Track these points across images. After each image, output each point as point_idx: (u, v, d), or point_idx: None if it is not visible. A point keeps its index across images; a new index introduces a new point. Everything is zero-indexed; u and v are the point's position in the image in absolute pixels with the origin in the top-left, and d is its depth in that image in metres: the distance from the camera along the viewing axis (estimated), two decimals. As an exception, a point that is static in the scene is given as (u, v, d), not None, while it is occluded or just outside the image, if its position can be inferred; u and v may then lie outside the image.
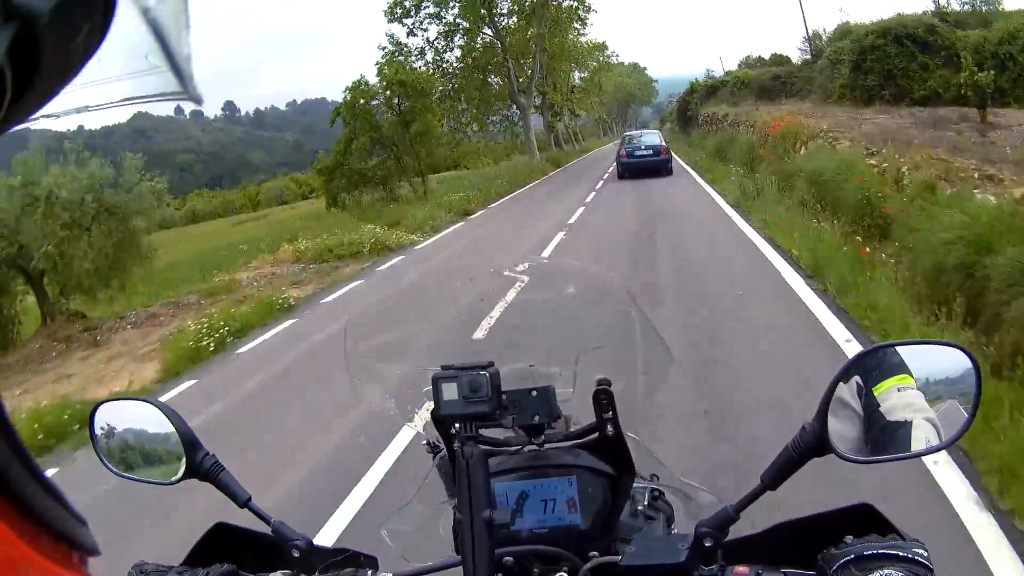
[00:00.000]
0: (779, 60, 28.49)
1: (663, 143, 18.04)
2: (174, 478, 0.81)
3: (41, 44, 0.24)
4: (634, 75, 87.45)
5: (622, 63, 74.37)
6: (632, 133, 21.46)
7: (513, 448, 0.82)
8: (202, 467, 0.80)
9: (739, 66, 30.92)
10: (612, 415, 0.77)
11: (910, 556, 0.61)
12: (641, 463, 0.83)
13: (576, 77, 43.42)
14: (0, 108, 0.24)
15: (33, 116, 0.27)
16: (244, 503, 0.80)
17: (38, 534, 0.28)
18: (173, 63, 0.29)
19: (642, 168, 17.26)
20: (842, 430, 0.67)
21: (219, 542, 0.82)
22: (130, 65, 0.30)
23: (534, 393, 0.77)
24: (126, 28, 0.27)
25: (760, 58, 30.99)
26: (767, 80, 22.95)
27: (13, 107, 0.25)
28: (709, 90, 29.84)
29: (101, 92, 0.31)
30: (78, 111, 0.31)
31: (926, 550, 0.62)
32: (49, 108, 0.27)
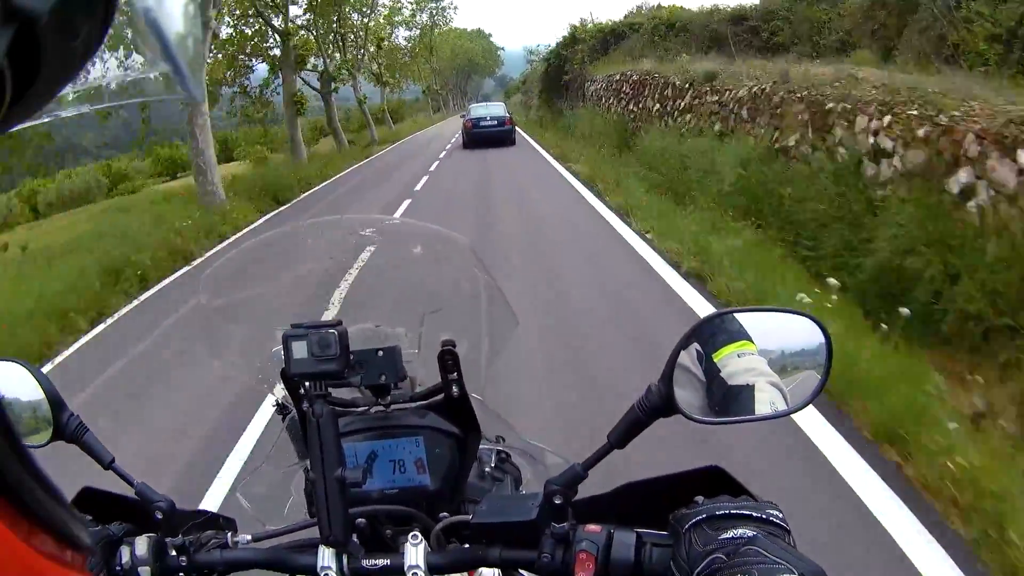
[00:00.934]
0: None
1: (507, 115, 19.79)
2: (42, 441, 0.81)
3: (41, 44, 0.24)
4: (478, 40, 76.43)
5: (463, 29, 66.78)
6: (478, 105, 23.47)
7: (360, 408, 0.84)
8: (68, 428, 0.81)
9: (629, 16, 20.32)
10: (457, 376, 0.80)
11: (764, 516, 0.64)
12: (487, 425, 0.87)
13: (399, 37, 35.83)
14: (0, 108, 0.25)
15: (33, 116, 0.28)
16: (108, 464, 0.81)
17: (38, 534, 0.29)
18: (173, 63, 0.30)
19: (487, 138, 18.70)
20: (687, 394, 0.71)
21: (87, 506, 0.83)
22: (130, 65, 0.32)
23: (380, 353, 0.79)
24: (126, 28, 0.29)
25: (659, 6, 19.35)
26: (720, 23, 14.14)
27: (13, 107, 0.25)
28: (607, 38, 19.94)
29: (101, 92, 0.33)
30: (78, 111, 0.32)
31: (780, 511, 0.65)
32: (49, 108, 0.28)
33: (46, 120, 0.29)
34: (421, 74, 41.99)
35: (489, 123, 19.01)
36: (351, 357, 0.75)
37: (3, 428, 0.27)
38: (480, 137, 18.67)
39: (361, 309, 0.88)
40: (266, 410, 2.39)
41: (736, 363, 0.72)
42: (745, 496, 0.68)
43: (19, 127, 0.27)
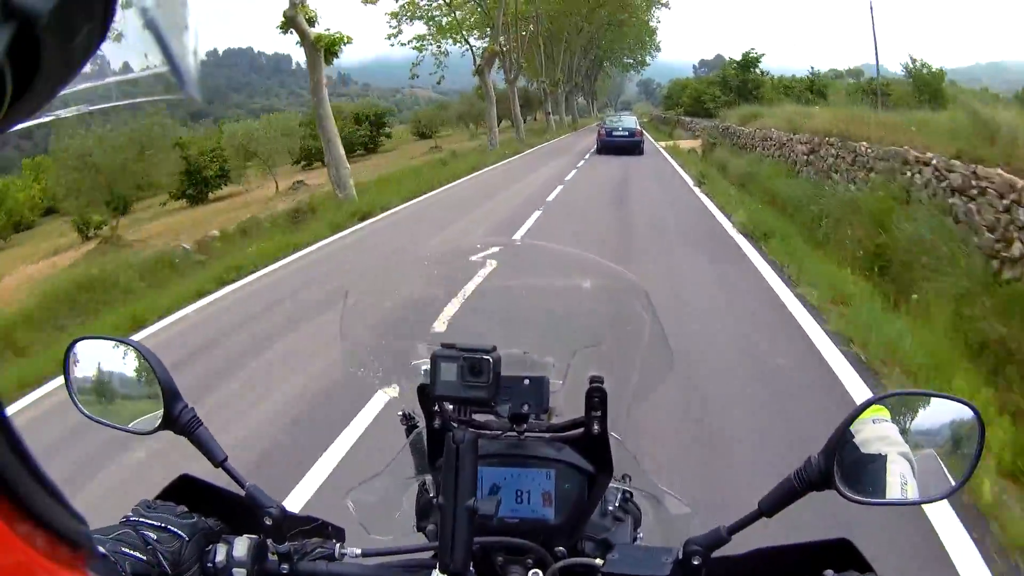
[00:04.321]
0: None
1: (638, 127, 22.64)
2: (149, 428, 0.83)
3: (41, 44, 0.25)
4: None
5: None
6: (612, 117, 27.14)
7: (493, 432, 0.84)
8: (180, 420, 0.82)
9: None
10: (601, 414, 0.80)
11: None
12: (617, 464, 0.85)
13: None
14: (0, 108, 0.25)
15: (33, 116, 0.29)
16: (220, 463, 0.82)
17: (38, 534, 0.30)
18: (172, 63, 0.30)
19: (619, 147, 21.18)
20: (846, 470, 0.71)
21: (183, 495, 0.83)
22: (130, 65, 0.32)
23: (527, 382, 0.80)
24: (126, 28, 0.30)
25: None
26: None
27: (13, 107, 0.26)
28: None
29: (101, 92, 0.33)
30: (78, 111, 0.33)
31: None
32: (49, 108, 0.29)
33: (46, 120, 0.30)
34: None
35: (621, 133, 22.14)
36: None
37: (3, 428, 0.28)
38: (613, 145, 21.64)
39: (498, 328, 0.89)
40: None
41: (870, 429, 0.72)
42: (871, 574, 0.71)
43: (19, 127, 0.28)
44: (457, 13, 30.27)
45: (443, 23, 30.10)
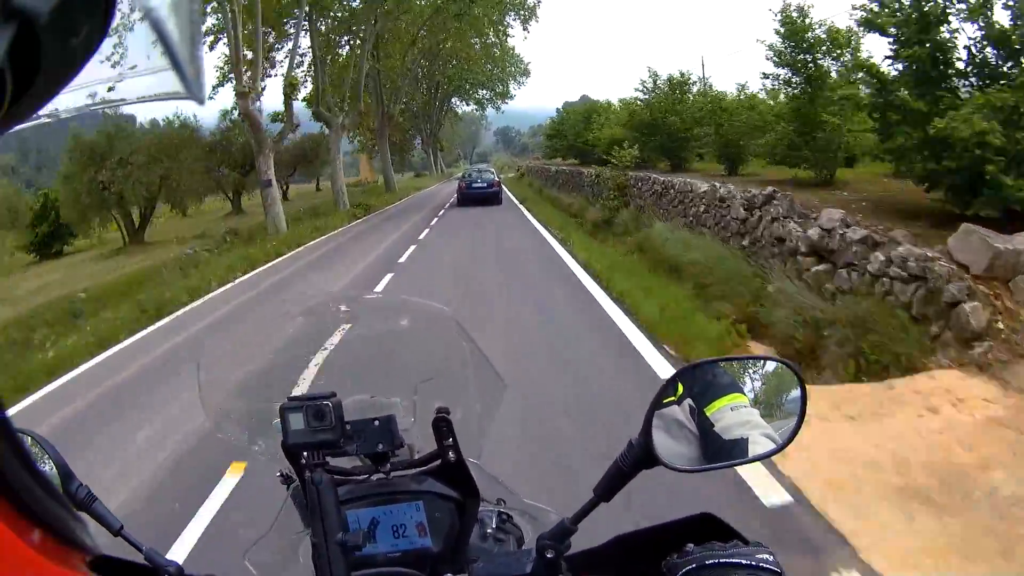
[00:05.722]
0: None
1: (496, 178, 23.89)
2: None
3: (41, 44, 0.25)
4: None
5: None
6: (471, 168, 28.21)
7: (361, 477, 0.90)
8: (77, 497, 0.85)
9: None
10: (452, 442, 0.85)
11: (755, 564, 0.66)
12: (487, 488, 0.92)
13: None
14: (0, 108, 0.25)
15: (33, 116, 0.28)
16: (117, 531, 0.86)
17: (38, 534, 0.30)
18: (175, 63, 0.30)
19: (478, 198, 22.03)
20: (672, 444, 0.75)
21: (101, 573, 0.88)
22: (130, 65, 0.31)
23: (376, 423, 0.85)
24: (126, 28, 0.29)
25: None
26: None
27: (13, 107, 0.26)
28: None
29: (101, 92, 0.32)
30: (78, 111, 0.32)
31: (772, 554, 0.67)
32: (49, 108, 0.29)
33: (46, 120, 0.30)
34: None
35: (480, 185, 22.83)
36: (347, 427, 0.81)
37: (3, 429, 0.28)
38: (472, 197, 22.17)
39: (348, 380, 0.92)
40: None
41: (731, 416, 0.76)
42: (735, 541, 0.73)
43: (19, 127, 0.28)
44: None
45: None
